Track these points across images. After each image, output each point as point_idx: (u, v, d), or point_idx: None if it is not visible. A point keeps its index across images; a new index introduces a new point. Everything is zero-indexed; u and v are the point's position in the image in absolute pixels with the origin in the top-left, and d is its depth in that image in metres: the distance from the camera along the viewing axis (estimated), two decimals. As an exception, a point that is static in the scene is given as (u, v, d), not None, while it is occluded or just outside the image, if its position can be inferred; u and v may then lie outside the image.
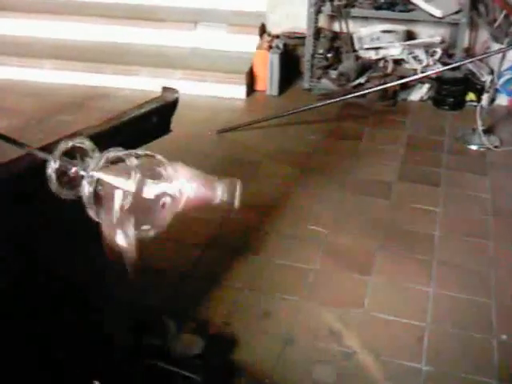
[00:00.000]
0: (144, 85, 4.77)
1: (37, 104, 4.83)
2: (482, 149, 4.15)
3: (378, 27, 5.06)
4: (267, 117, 4.44)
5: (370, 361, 2.46)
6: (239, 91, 4.96)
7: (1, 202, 1.36)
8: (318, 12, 4.95)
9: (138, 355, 2.20)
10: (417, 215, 3.44)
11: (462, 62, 4.61)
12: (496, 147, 4.17)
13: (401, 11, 4.82)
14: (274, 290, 2.84)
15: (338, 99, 4.49)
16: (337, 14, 4.92)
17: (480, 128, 4.14)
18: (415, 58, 4.99)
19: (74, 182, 1.31)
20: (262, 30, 5.31)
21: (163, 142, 2.13)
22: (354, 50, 5.07)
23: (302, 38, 5.04)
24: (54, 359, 1.69)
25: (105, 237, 1.40)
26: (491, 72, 4.71)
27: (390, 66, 4.97)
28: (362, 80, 4.91)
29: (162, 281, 2.81)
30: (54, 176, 1.30)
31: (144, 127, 1.84)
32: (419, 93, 4.91)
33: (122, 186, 1.24)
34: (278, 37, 5.18)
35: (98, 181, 1.27)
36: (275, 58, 4.92)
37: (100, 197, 1.27)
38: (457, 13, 4.71)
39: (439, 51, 4.97)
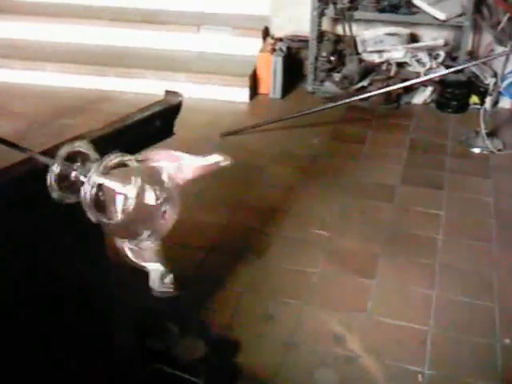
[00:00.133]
0: (147, 88, 4.77)
1: (40, 107, 4.84)
2: (485, 152, 4.15)
3: (382, 30, 5.06)
4: (270, 120, 4.44)
5: (372, 364, 2.46)
6: (242, 94, 4.96)
7: (1, 207, 1.36)
8: (322, 15, 4.95)
9: (140, 358, 2.20)
10: (420, 218, 3.43)
11: (465, 65, 4.60)
12: (499, 150, 4.16)
13: (404, 14, 4.81)
14: (277, 293, 2.84)
15: (341, 102, 4.49)
16: (340, 17, 4.91)
17: (483, 131, 4.13)
18: (418, 60, 4.98)
19: (75, 187, 1.31)
20: (266, 33, 5.31)
21: (166, 145, 2.14)
22: (358, 53, 5.06)
23: (306, 41, 5.04)
24: (54, 360, 1.69)
25: (108, 239, 1.40)
26: (495, 75, 4.70)
27: (394, 69, 4.96)
28: (365, 83, 4.90)
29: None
30: (54, 181, 1.30)
31: (147, 131, 1.84)
32: (422, 96, 4.90)
33: (123, 192, 1.24)
34: (281, 40, 5.18)
35: (99, 186, 1.26)
36: (278, 61, 4.92)
37: (101, 202, 1.27)
38: (460, 16, 4.70)
39: (442, 54, 4.96)
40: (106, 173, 1.27)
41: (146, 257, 1.42)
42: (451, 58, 4.99)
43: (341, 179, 3.81)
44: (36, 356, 1.63)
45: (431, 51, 5.01)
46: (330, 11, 4.89)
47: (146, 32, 5.45)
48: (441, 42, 5.03)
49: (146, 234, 1.34)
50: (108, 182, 1.26)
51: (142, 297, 2.25)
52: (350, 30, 4.91)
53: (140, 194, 1.25)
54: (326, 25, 5.16)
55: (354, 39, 5.02)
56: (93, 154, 1.35)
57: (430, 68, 4.90)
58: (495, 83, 4.45)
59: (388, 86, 4.63)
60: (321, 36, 5.03)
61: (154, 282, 1.43)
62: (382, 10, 4.84)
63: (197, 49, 5.38)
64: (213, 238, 3.22)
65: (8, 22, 5.73)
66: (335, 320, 2.68)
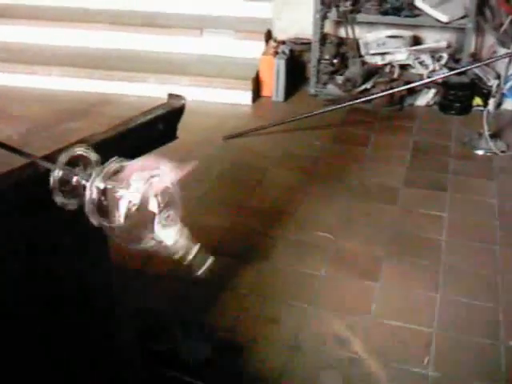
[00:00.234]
0: (150, 91, 4.78)
1: (43, 111, 4.85)
2: (488, 153, 4.15)
3: (384, 33, 5.07)
4: (273, 123, 4.44)
5: (377, 367, 2.46)
6: (245, 97, 4.97)
7: (3, 212, 1.37)
8: (324, 18, 4.96)
9: (145, 361, 2.20)
10: (423, 220, 3.43)
11: (468, 67, 4.60)
12: (503, 152, 4.16)
13: (407, 16, 4.82)
14: (281, 295, 2.84)
15: (344, 105, 4.50)
16: (343, 20, 4.92)
17: (486, 133, 4.13)
18: (421, 63, 4.98)
19: (77, 191, 1.31)
20: (268, 36, 5.32)
21: (169, 148, 2.14)
22: (360, 56, 5.07)
23: (308, 43, 5.05)
24: (55, 360, 1.70)
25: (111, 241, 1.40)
26: (498, 77, 4.70)
27: (396, 72, 4.97)
28: (368, 85, 4.91)
29: (169, 286, 2.81)
30: (56, 186, 1.30)
31: (150, 134, 1.84)
32: (425, 98, 4.91)
33: (126, 197, 1.24)
34: (284, 43, 5.19)
35: (102, 191, 1.26)
36: (281, 64, 4.93)
37: (103, 207, 1.26)
38: (463, 18, 4.71)
39: (445, 56, 4.96)
40: (109, 178, 1.26)
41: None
42: (454, 59, 4.99)
43: (344, 181, 3.81)
44: (36, 356, 1.63)
45: (434, 53, 5.01)
46: (333, 14, 4.91)
47: (149, 35, 5.47)
48: (443, 44, 5.04)
49: (148, 238, 1.33)
50: (110, 188, 1.25)
51: (144, 298, 2.25)
52: (353, 32, 4.91)
53: (143, 199, 1.25)
54: (328, 27, 5.17)
55: (356, 42, 5.02)
56: (95, 159, 1.35)
57: (433, 70, 4.91)
58: (498, 85, 4.46)
59: (391, 88, 4.64)
60: (323, 39, 5.04)
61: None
62: (384, 13, 4.85)
63: (200, 52, 5.39)
64: (216, 241, 3.22)
65: (8, 25, 5.75)
66: (339, 322, 2.68)
